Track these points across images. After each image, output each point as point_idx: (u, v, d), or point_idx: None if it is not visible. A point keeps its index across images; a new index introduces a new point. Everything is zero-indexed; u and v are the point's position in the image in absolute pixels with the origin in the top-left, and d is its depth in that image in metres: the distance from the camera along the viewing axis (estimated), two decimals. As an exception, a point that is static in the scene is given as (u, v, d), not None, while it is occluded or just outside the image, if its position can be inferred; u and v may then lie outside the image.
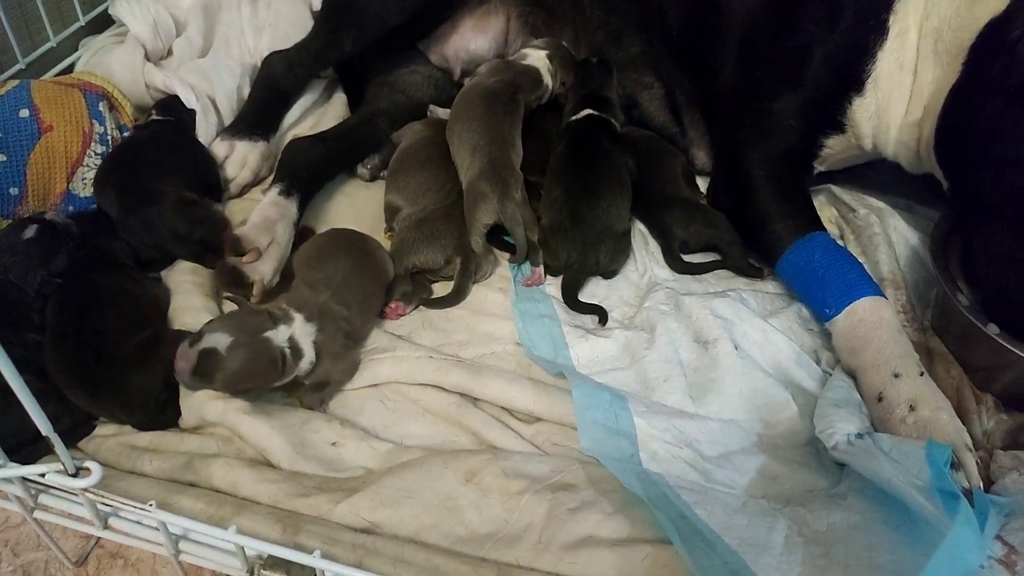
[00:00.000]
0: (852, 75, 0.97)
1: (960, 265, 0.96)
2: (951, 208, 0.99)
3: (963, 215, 0.92)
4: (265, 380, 0.82)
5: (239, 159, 1.15)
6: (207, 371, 0.78)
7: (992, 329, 0.87)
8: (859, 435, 0.83)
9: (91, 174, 1.04)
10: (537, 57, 1.18)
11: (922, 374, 0.87)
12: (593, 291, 1.05)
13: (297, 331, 0.85)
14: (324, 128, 1.24)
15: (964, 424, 0.87)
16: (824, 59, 0.99)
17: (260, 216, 1.02)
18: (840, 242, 1.11)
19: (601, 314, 0.99)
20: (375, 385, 0.90)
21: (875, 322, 0.91)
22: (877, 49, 0.95)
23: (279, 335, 0.83)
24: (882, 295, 0.94)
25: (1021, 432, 0.89)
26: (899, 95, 0.95)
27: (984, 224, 0.87)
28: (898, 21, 0.94)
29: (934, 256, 0.96)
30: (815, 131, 1.04)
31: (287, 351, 0.82)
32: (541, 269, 1.04)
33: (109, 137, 1.07)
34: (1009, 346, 0.85)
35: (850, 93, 0.99)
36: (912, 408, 0.84)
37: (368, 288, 0.96)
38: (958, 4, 0.88)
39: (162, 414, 0.86)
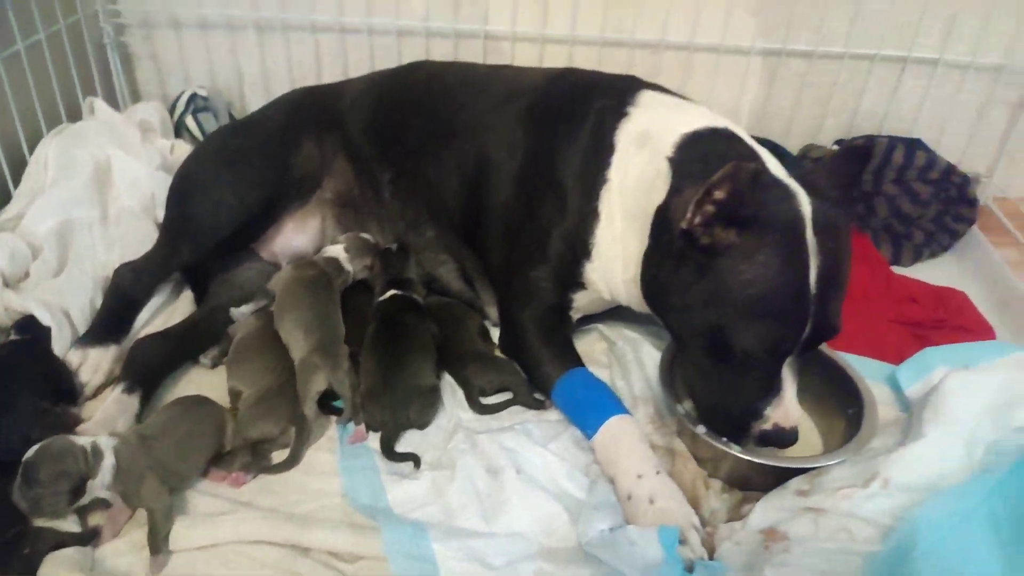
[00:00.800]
0: (582, 247, 1.26)
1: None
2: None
3: (675, 344, 1.21)
4: (73, 468, 1.00)
5: (92, 365, 1.29)
6: (28, 476, 0.99)
7: (700, 429, 1.14)
8: (611, 529, 1.06)
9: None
10: (335, 250, 1.45)
11: (659, 472, 1.10)
12: (410, 439, 1.24)
13: (101, 440, 1.05)
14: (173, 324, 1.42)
15: (697, 507, 1.11)
16: (561, 237, 1.28)
17: (101, 414, 1.17)
18: (608, 370, 1.38)
19: (415, 460, 1.18)
20: (216, 546, 1.03)
21: (623, 435, 1.15)
22: (595, 227, 1.25)
23: (82, 439, 1.04)
24: (628, 413, 1.19)
25: (740, 507, 1.14)
26: (616, 261, 1.24)
27: (684, 352, 1.16)
28: (605, 209, 1.23)
29: (661, 375, 1.24)
30: (565, 290, 1.31)
31: (88, 449, 1.03)
32: (363, 427, 1.24)
33: (-33, 362, 1.21)
34: (712, 441, 1.12)
35: (583, 260, 1.27)
36: (651, 501, 1.07)
37: (197, 431, 1.14)
38: (639, 195, 1.18)
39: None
